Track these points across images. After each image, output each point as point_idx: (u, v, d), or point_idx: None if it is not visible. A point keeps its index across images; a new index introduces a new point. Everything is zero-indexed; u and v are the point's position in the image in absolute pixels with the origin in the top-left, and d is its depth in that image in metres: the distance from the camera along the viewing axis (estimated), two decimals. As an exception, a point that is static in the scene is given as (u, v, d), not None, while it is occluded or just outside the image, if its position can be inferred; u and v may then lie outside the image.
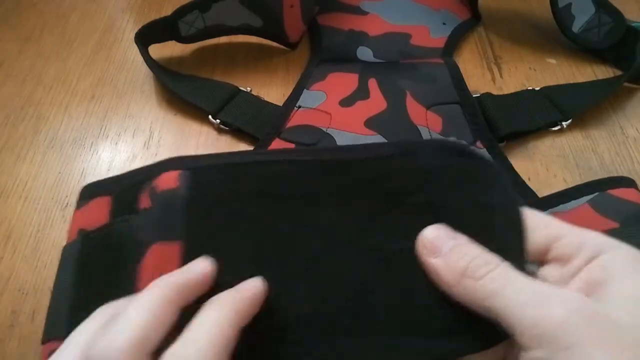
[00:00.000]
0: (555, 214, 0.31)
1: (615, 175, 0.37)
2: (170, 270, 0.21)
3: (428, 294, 0.21)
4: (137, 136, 0.41)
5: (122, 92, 0.44)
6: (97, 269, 0.26)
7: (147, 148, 0.40)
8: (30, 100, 0.43)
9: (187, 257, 0.22)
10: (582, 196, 0.31)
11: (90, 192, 0.28)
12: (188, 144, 0.40)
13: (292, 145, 0.37)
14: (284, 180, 0.24)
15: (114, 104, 0.43)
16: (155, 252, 0.23)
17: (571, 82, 0.43)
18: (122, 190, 0.27)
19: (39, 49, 0.47)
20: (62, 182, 0.38)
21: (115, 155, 0.39)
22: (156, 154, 0.39)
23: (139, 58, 0.43)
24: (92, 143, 0.40)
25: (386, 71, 0.42)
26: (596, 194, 0.31)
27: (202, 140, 0.40)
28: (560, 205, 0.31)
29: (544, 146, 0.39)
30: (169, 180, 0.25)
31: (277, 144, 0.37)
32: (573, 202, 0.31)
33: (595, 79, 0.44)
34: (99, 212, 0.27)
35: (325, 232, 0.23)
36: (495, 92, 0.42)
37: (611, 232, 0.27)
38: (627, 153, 0.39)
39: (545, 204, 0.32)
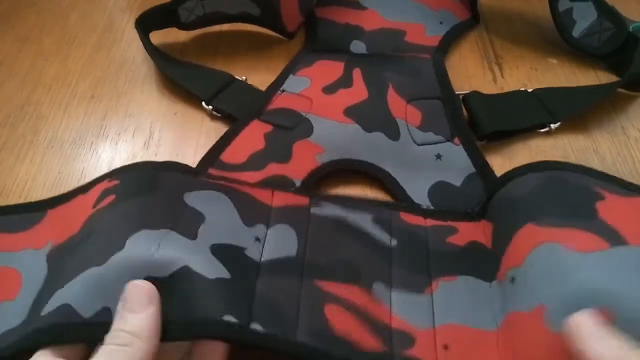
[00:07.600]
0: None
1: (616, 175, 0.37)
2: None
3: None
4: (137, 136, 0.40)
5: (122, 92, 0.43)
6: None
7: (147, 148, 0.40)
8: (30, 100, 0.43)
9: None
10: None
11: None
12: (188, 143, 0.40)
13: (270, 126, 0.37)
14: None
15: (114, 103, 0.43)
16: None
17: (572, 82, 0.43)
18: None
19: (39, 48, 0.47)
20: (62, 182, 0.37)
21: (115, 155, 0.39)
22: (156, 154, 0.39)
23: (139, 57, 0.43)
24: (92, 143, 0.40)
25: (372, 62, 0.42)
26: None
27: (202, 140, 0.40)
28: None
29: (546, 146, 0.39)
30: None
31: (255, 125, 0.38)
32: None
33: (596, 78, 0.44)
34: None
35: None
36: (496, 92, 0.42)
37: None
38: (628, 153, 0.39)
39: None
